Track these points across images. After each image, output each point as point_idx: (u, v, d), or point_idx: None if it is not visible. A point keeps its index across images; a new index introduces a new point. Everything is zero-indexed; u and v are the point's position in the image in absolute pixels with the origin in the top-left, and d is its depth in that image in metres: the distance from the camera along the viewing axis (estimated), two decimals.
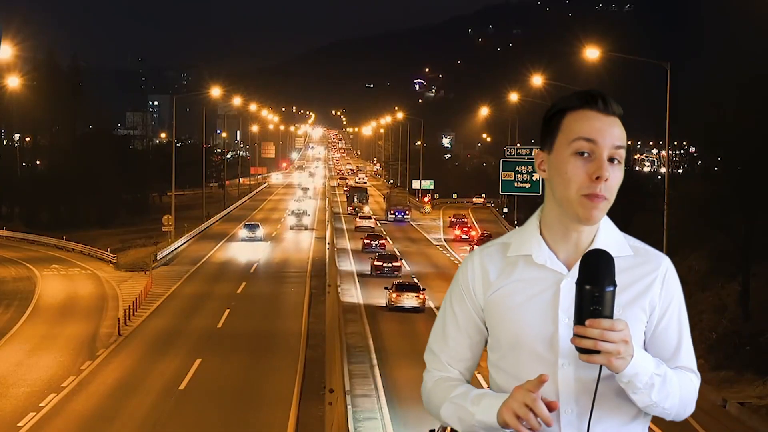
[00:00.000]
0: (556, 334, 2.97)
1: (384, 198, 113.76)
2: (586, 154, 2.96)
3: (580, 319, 2.81)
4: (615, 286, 2.81)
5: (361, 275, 56.00)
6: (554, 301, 2.98)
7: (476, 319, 3.15)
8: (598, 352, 2.80)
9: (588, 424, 2.96)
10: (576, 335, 2.81)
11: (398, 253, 65.63)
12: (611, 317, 2.80)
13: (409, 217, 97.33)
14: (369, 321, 41.72)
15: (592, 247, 3.01)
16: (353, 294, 49.18)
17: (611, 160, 2.96)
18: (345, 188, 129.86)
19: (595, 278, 2.81)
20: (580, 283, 2.82)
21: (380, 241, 69.42)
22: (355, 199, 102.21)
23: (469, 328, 3.16)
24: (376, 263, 56.68)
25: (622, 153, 2.98)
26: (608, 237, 3.06)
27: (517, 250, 3.09)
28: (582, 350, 2.82)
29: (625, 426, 3.03)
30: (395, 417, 26.30)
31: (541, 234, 3.08)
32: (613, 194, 2.98)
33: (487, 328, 3.15)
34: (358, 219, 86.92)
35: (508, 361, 3.07)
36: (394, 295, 44.52)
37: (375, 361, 33.64)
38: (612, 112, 2.99)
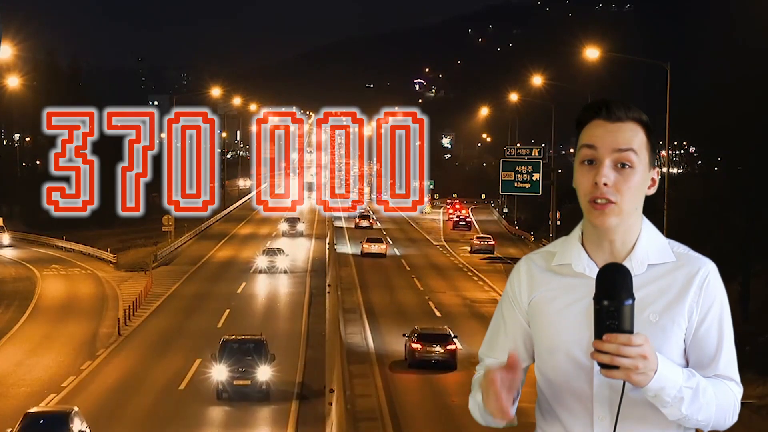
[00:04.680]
0: (592, 339, 2.96)
1: (368, 184, 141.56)
2: (593, 162, 3.00)
3: (598, 333, 2.82)
4: (633, 299, 2.81)
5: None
6: (591, 308, 2.98)
7: (524, 323, 3.20)
8: (617, 367, 2.80)
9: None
10: (594, 350, 2.83)
11: (373, 217, 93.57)
12: (631, 331, 2.79)
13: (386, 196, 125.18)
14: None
15: (632, 254, 3.05)
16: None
17: (622, 165, 2.98)
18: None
19: (611, 293, 2.80)
20: (597, 298, 2.83)
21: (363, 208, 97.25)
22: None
23: (516, 331, 3.22)
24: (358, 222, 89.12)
25: (631, 156, 2.98)
26: (649, 243, 3.07)
27: (560, 259, 3.14)
28: (602, 365, 2.82)
29: None
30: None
31: (582, 244, 3.12)
32: (625, 198, 2.98)
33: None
34: None
35: (547, 366, 3.12)
36: (365, 245, 69.23)
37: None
38: (617, 118, 3.01)
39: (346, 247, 72.50)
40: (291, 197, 31.52)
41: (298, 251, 66.85)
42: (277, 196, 31.65)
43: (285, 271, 56.22)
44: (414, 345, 33.81)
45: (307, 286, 52.62)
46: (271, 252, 59.10)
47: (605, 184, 2.97)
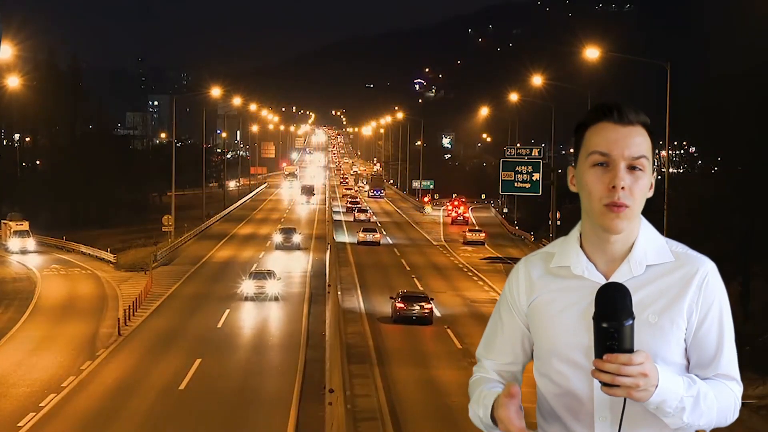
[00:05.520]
0: (592, 342, 2.96)
1: (367, 182, 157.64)
2: (605, 165, 3.00)
3: (599, 353, 2.83)
4: (633, 318, 2.82)
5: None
6: (590, 310, 2.98)
7: (522, 326, 3.21)
8: (618, 385, 2.82)
9: None
10: (595, 369, 2.84)
11: (370, 211, 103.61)
12: (631, 350, 2.81)
13: (383, 193, 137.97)
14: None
15: (630, 255, 3.05)
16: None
17: (632, 168, 2.99)
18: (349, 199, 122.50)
19: (611, 314, 2.81)
20: (596, 319, 2.84)
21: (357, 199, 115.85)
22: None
23: (514, 334, 3.23)
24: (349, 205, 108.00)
25: (643, 161, 2.99)
26: (647, 244, 3.07)
27: (559, 261, 3.14)
28: (603, 383, 2.84)
29: None
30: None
31: (581, 245, 3.12)
32: (637, 201, 2.99)
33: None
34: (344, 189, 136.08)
35: (547, 368, 3.13)
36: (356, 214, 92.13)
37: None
38: (629, 122, 3.01)
39: (344, 237, 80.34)
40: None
41: (294, 269, 59.52)
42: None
43: (276, 298, 47.49)
44: (398, 304, 41.89)
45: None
46: (260, 276, 49.17)
47: (623, 188, 2.97)
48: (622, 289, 2.84)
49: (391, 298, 43.66)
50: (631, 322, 2.81)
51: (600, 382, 2.84)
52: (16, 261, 66.18)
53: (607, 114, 3.02)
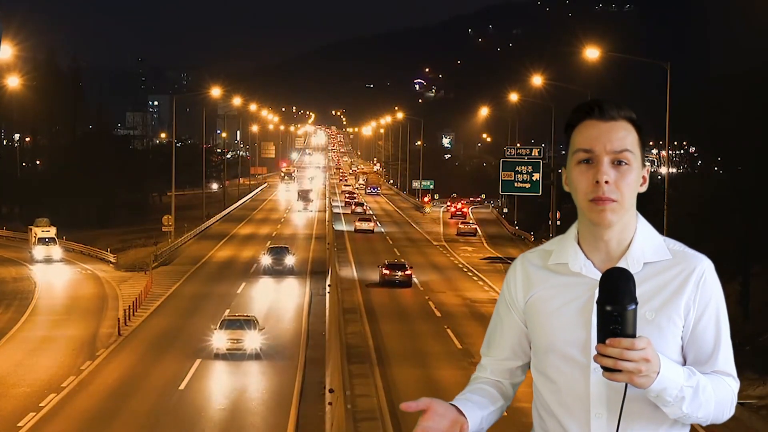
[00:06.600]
0: (589, 338, 3.00)
1: (365, 180, 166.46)
2: (590, 162, 3.03)
3: (601, 337, 2.83)
4: (636, 303, 2.82)
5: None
6: (588, 306, 3.01)
7: (520, 323, 3.23)
8: (620, 370, 2.82)
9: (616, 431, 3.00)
10: (598, 353, 2.84)
11: (367, 205, 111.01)
12: (633, 335, 2.81)
13: (379, 190, 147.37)
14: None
15: (628, 252, 3.06)
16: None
17: (618, 163, 3.01)
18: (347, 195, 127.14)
19: (615, 298, 2.82)
20: (600, 303, 2.84)
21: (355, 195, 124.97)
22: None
23: (512, 331, 3.25)
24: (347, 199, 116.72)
25: (627, 155, 3.01)
26: (645, 242, 3.09)
27: (557, 258, 3.16)
28: (605, 368, 2.85)
29: None
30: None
31: (578, 243, 3.13)
32: (625, 195, 3.01)
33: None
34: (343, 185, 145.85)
35: (544, 365, 3.14)
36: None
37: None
38: (610, 117, 3.03)
39: (342, 226, 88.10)
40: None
41: (284, 310, 45.94)
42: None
43: (257, 355, 34.98)
44: (384, 271, 52.69)
45: (307, 286, 52.57)
46: (236, 324, 35.93)
47: (606, 182, 2.99)
48: (626, 274, 2.85)
49: (379, 266, 54.13)
50: (634, 306, 2.81)
51: (602, 367, 2.84)
52: (28, 267, 62.43)
53: (589, 112, 3.05)
